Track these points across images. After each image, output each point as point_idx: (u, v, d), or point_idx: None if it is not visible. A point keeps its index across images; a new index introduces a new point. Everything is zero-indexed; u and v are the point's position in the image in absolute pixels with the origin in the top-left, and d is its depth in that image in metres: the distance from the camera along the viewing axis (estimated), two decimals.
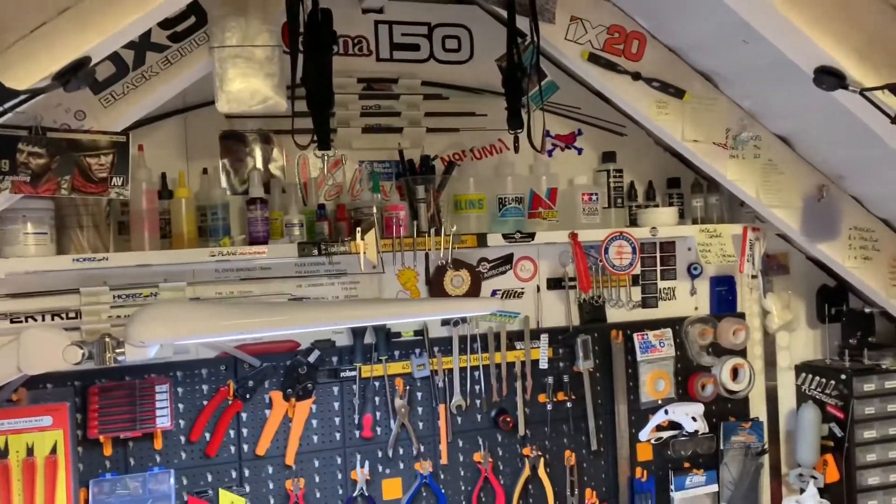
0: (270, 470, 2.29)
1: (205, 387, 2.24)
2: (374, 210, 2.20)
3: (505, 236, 2.35)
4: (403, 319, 2.27)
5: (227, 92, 1.79)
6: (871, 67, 1.61)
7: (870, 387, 2.72)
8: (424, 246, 2.22)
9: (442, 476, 2.45)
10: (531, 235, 2.37)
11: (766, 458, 2.82)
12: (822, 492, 2.77)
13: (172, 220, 2.15)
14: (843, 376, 2.72)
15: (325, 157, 1.95)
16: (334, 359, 2.35)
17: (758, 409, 2.84)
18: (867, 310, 2.80)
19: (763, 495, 2.80)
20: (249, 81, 1.81)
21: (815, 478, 2.78)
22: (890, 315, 2.74)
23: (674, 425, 2.65)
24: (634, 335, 2.65)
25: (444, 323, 2.46)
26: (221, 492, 2.24)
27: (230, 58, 1.78)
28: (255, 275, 2.28)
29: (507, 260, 2.56)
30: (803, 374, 2.88)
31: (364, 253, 2.12)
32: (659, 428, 2.66)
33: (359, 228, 2.12)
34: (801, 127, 2.24)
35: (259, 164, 2.31)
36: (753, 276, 2.75)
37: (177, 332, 1.58)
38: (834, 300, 2.87)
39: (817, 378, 2.82)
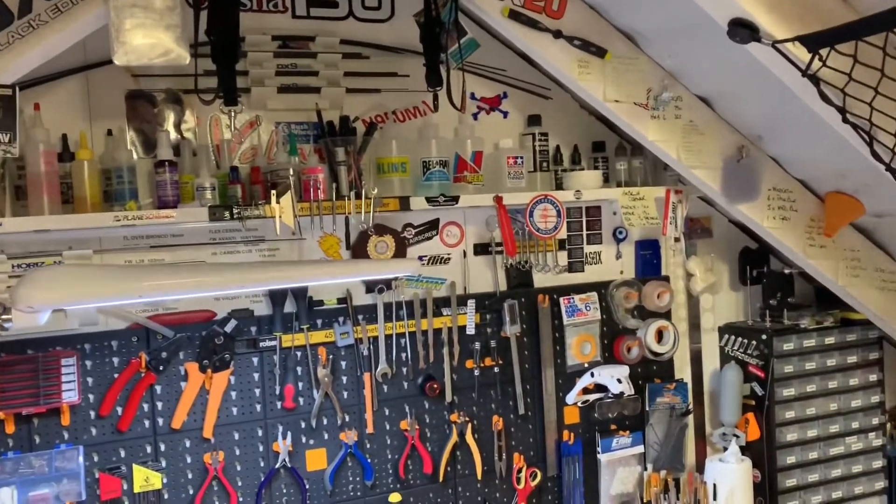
0: (188, 444, 2.21)
1: (115, 359, 2.14)
2: (291, 172, 2.12)
3: (429, 200, 2.30)
4: (319, 281, 2.20)
5: (123, 43, 1.68)
6: (783, 19, 1.61)
7: (789, 346, 2.78)
8: (344, 210, 2.15)
9: (368, 445, 2.41)
10: (455, 199, 2.33)
11: (690, 419, 2.87)
12: (744, 450, 2.83)
13: (74, 183, 2.03)
14: (764, 336, 2.78)
15: (233, 114, 1.86)
16: (253, 328, 2.28)
17: (682, 371, 2.88)
18: (786, 271, 2.86)
19: (688, 455, 2.85)
20: (149, 33, 1.70)
21: (737, 436, 2.84)
22: (808, 276, 2.80)
23: (600, 388, 2.67)
24: (561, 299, 2.64)
25: (369, 290, 2.41)
26: (135, 468, 2.15)
27: (127, 7, 1.67)
28: (167, 242, 2.18)
29: (432, 225, 2.51)
30: (726, 336, 2.94)
31: (280, 217, 2.04)
32: (585, 391, 2.67)
33: (273, 191, 2.04)
34: (721, 87, 2.25)
35: (168, 126, 2.20)
36: (677, 239, 2.78)
37: (67, 295, 1.48)
38: (755, 262, 2.92)
39: (739, 339, 2.88)
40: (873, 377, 2.92)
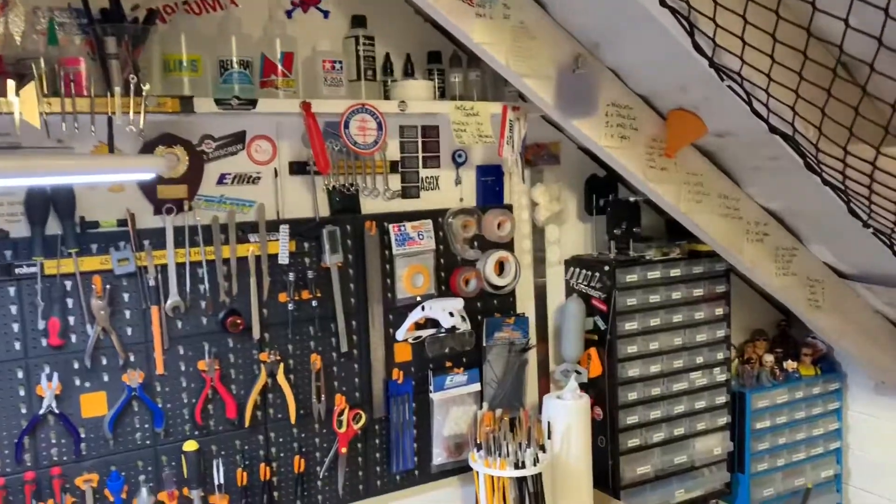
0: None
1: None
2: (42, 62, 1.75)
3: (218, 102, 1.98)
4: (35, 177, 1.82)
5: None
6: None
7: (632, 278, 2.65)
8: (107, 108, 1.80)
9: (158, 388, 2.11)
10: (252, 103, 2.02)
11: (532, 355, 2.71)
12: (587, 386, 2.71)
13: None
14: (607, 268, 2.63)
15: None
16: (7, 253, 1.92)
17: (525, 305, 2.71)
18: (632, 199, 2.71)
19: (529, 392, 2.70)
20: None
21: (578, 372, 2.71)
22: (658, 207, 2.66)
23: (433, 323, 2.46)
24: (390, 227, 2.40)
25: (157, 212, 2.08)
26: None
27: None
28: None
29: (237, 138, 2.20)
30: (572, 269, 2.78)
31: (21, 113, 1.68)
32: (417, 326, 2.45)
33: (11, 81, 1.67)
34: None
35: None
36: (529, 162, 2.57)
37: None
38: (603, 191, 2.76)
39: (584, 272, 2.72)
40: (719, 311, 2.84)
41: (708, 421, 2.84)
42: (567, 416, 2.48)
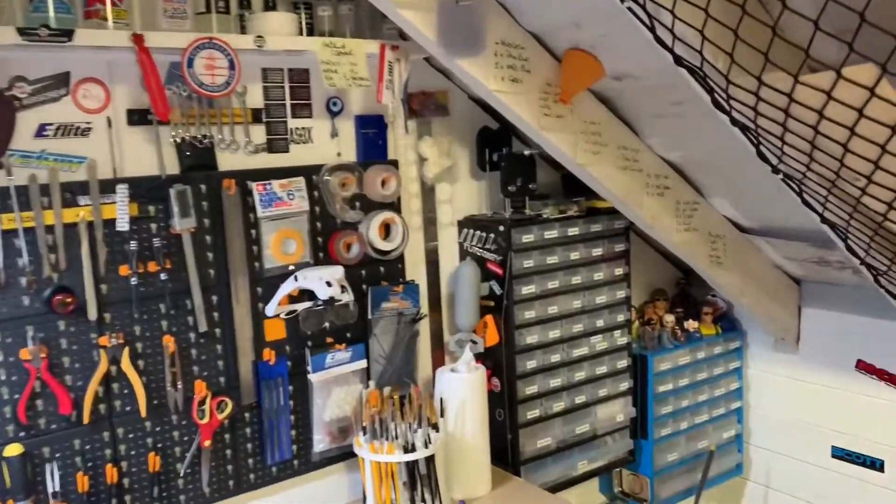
0: None
1: None
2: None
3: (23, 32, 1.61)
4: None
5: None
6: None
7: (528, 238, 2.44)
8: None
9: None
10: (67, 34, 1.66)
11: (425, 326, 2.48)
12: (484, 356, 2.50)
13: None
14: (502, 228, 2.41)
15: None
16: None
17: (415, 272, 2.46)
18: (526, 152, 2.50)
19: (422, 366, 2.47)
20: None
21: (474, 342, 2.50)
22: (555, 161, 2.45)
23: (310, 295, 2.18)
24: (254, 185, 2.09)
25: None
26: None
27: None
28: None
29: (60, 81, 1.82)
30: (465, 230, 2.55)
31: None
32: (291, 299, 2.17)
33: None
34: None
35: None
36: (411, 115, 2.31)
37: None
38: (496, 144, 2.53)
39: (478, 233, 2.50)
40: (619, 271, 2.68)
41: (610, 386, 2.70)
42: (461, 390, 2.27)
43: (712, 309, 3.02)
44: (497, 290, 2.46)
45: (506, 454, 2.50)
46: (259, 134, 2.13)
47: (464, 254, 2.56)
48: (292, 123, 2.19)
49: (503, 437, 2.50)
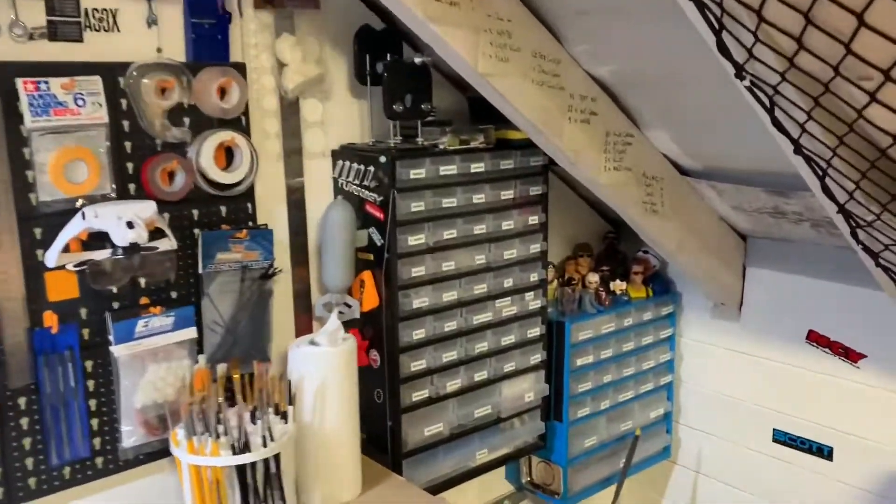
0: None
1: None
2: None
3: None
4: None
5: None
6: None
7: (418, 174, 1.90)
8: None
9: None
10: None
11: (285, 284, 1.94)
12: (361, 323, 1.99)
13: None
14: (383, 159, 1.87)
15: None
16: None
17: (272, 214, 1.90)
18: (417, 59, 1.94)
19: (280, 337, 1.92)
20: None
21: (348, 305, 1.97)
22: (457, 76, 1.90)
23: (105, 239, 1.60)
24: (19, 83, 1.48)
25: None
26: None
27: None
28: None
29: None
30: (341, 163, 1.99)
31: None
32: (86, 245, 1.59)
33: None
34: None
35: None
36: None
37: None
38: (380, 50, 1.96)
39: (355, 166, 1.95)
40: (534, 220, 2.18)
41: (518, 360, 2.21)
42: (321, 368, 1.74)
43: (643, 267, 2.56)
44: (378, 239, 1.92)
45: (385, 444, 2.00)
46: (35, 12, 1.51)
47: (340, 193, 2.01)
48: (89, 2, 1.58)
49: (382, 423, 2.00)
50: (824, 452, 2.31)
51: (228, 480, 1.57)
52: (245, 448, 1.55)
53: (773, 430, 2.43)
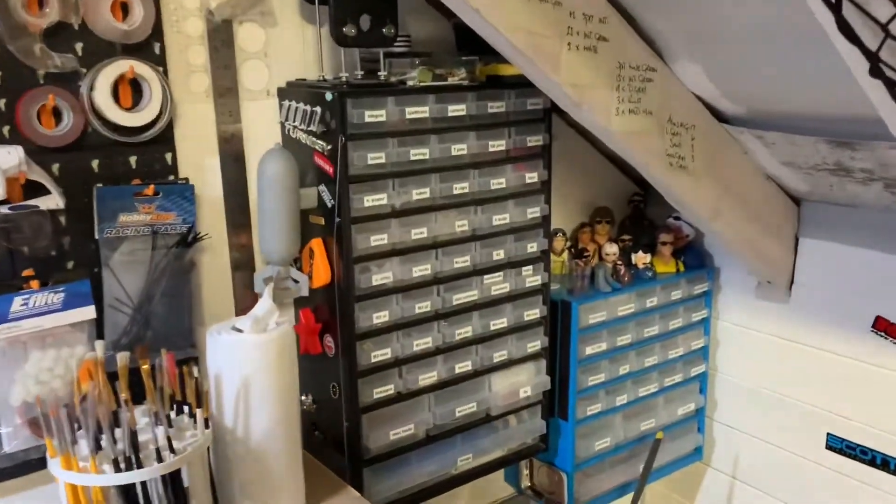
0: None
1: None
2: None
3: None
4: None
5: None
6: None
7: (377, 116, 1.51)
8: None
9: None
10: None
11: (214, 255, 1.59)
12: (312, 303, 1.63)
13: None
14: (329, 97, 1.48)
15: None
16: None
17: (200, 167, 1.55)
18: None
19: (214, 318, 1.57)
20: None
21: (296, 281, 1.61)
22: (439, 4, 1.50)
23: None
24: None
25: None
26: None
27: None
28: None
29: None
30: (288, 103, 1.62)
31: None
32: None
33: None
34: None
35: None
36: None
37: None
38: None
39: (301, 106, 1.57)
40: (533, 177, 1.77)
41: (512, 348, 1.83)
42: (246, 361, 1.38)
43: (673, 237, 2.13)
44: (329, 200, 1.55)
45: (342, 448, 1.65)
46: None
47: (289, 143, 1.64)
48: None
49: (338, 424, 1.64)
50: (890, 466, 1.88)
51: (112, 502, 1.23)
52: (129, 464, 1.22)
53: (827, 434, 2.00)
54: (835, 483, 2.00)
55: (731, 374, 2.22)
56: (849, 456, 1.97)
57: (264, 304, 1.42)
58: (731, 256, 2.08)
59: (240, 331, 1.40)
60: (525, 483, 2.12)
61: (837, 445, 1.99)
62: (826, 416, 2.00)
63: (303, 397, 1.74)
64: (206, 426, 1.33)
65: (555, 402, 1.96)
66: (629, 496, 2.07)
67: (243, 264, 1.66)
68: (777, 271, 2.00)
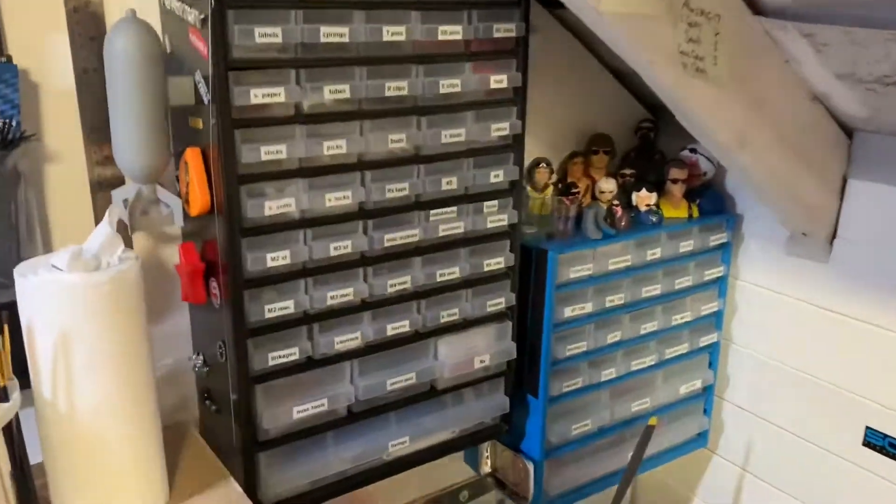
0: None
1: None
2: None
3: None
4: None
5: None
6: None
7: None
8: None
9: None
10: None
11: (65, 165, 1.19)
12: (192, 236, 1.23)
13: None
14: None
15: None
16: None
17: (27, 43, 1.13)
18: None
19: (57, 245, 1.18)
20: None
21: (167, 205, 1.21)
22: None
23: None
24: None
25: None
26: None
27: None
28: None
29: None
30: None
31: None
32: None
33: None
34: None
35: None
36: None
37: None
38: None
39: None
40: (500, 81, 1.33)
41: (466, 306, 1.42)
42: (62, 312, 0.99)
43: (687, 173, 1.69)
44: (205, 93, 1.13)
45: (230, 434, 1.26)
46: None
47: (167, 19, 1.21)
48: None
49: (225, 397, 1.26)
50: None
51: None
52: None
53: (866, 428, 1.59)
54: (871, 484, 1.60)
55: (748, 347, 1.80)
56: (890, 455, 1.56)
57: (100, 233, 1.03)
58: (759, 200, 1.64)
59: (57, 269, 1.00)
60: (485, 469, 1.74)
61: (878, 442, 1.58)
62: (866, 405, 1.58)
63: (193, 356, 1.35)
64: (4, 398, 0.95)
65: (522, 375, 1.56)
66: (613, 489, 1.68)
67: (109, 183, 1.26)
68: (816, 221, 1.57)
